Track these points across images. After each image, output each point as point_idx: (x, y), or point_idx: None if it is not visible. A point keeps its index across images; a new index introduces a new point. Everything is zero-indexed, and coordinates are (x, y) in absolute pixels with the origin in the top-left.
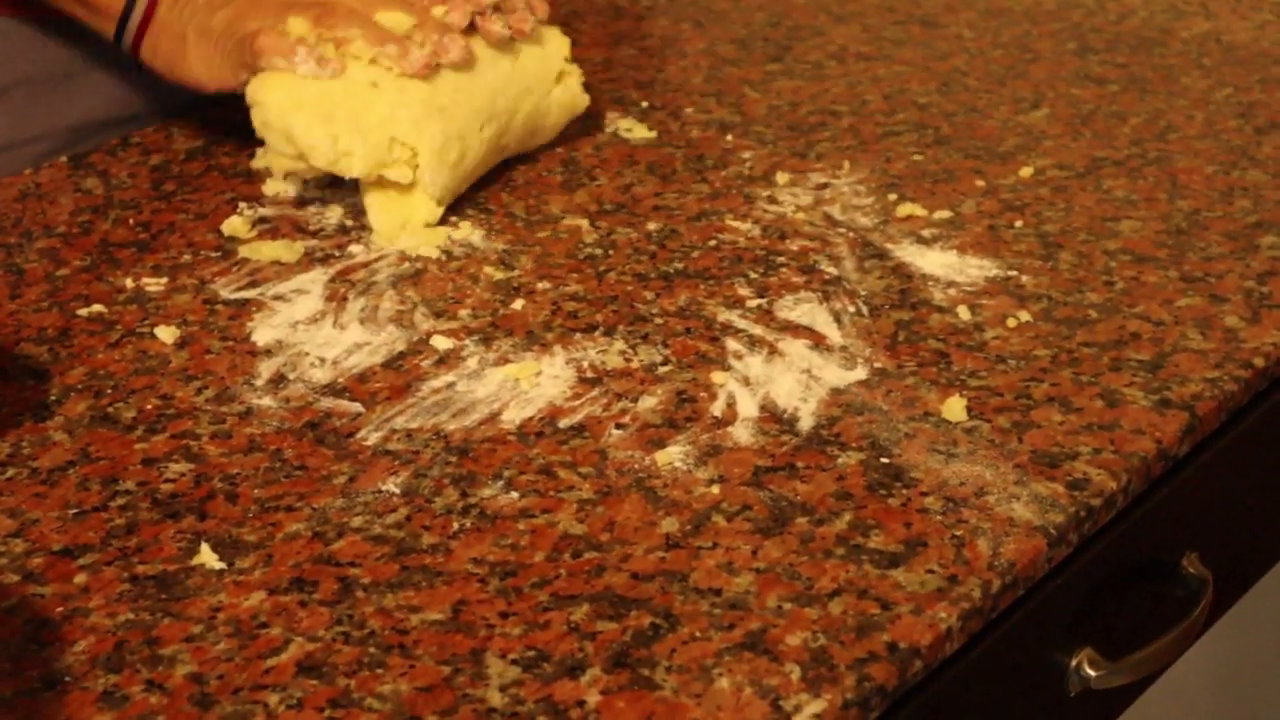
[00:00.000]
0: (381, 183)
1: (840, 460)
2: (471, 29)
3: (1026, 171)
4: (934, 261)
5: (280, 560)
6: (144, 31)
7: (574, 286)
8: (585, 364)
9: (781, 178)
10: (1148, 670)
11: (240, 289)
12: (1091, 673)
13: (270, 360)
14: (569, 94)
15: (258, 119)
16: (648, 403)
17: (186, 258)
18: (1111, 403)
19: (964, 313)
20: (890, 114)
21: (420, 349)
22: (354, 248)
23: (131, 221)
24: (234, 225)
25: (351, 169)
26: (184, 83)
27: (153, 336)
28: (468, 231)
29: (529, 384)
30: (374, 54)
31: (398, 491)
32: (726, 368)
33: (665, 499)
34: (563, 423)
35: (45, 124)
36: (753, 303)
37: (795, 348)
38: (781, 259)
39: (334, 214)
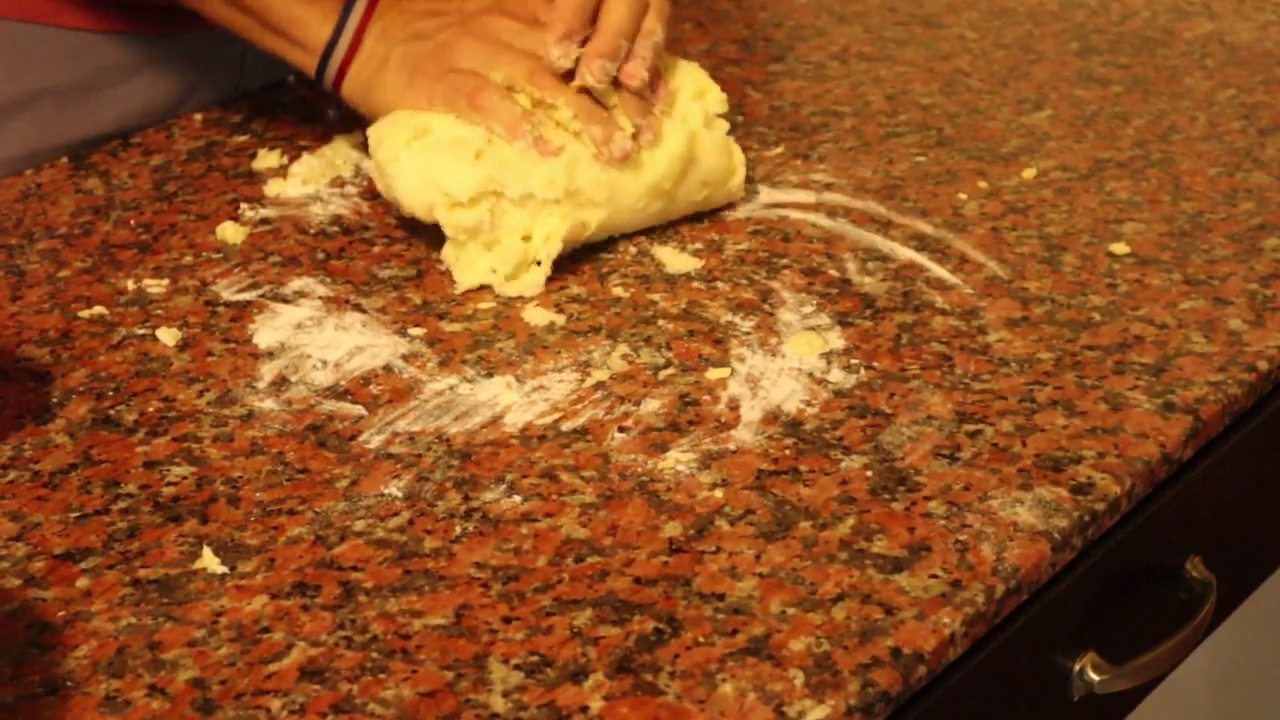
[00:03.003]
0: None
1: (844, 464)
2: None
3: (1029, 173)
4: (935, 264)
5: (282, 564)
6: (348, 65)
7: (576, 289)
8: (588, 367)
9: (784, 179)
10: (1151, 674)
11: (242, 290)
12: (1095, 677)
13: (272, 363)
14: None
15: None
16: (650, 406)
17: (188, 259)
18: (1115, 406)
19: (967, 315)
20: (893, 115)
21: (422, 351)
22: (356, 248)
23: (133, 222)
24: (227, 231)
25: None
26: (375, 110)
27: (154, 338)
28: None
29: (531, 387)
30: (578, 130)
31: (400, 495)
32: (730, 370)
33: (668, 503)
34: (565, 426)
35: (69, 134)
36: (755, 305)
37: (798, 350)
38: (784, 261)
39: (336, 215)
